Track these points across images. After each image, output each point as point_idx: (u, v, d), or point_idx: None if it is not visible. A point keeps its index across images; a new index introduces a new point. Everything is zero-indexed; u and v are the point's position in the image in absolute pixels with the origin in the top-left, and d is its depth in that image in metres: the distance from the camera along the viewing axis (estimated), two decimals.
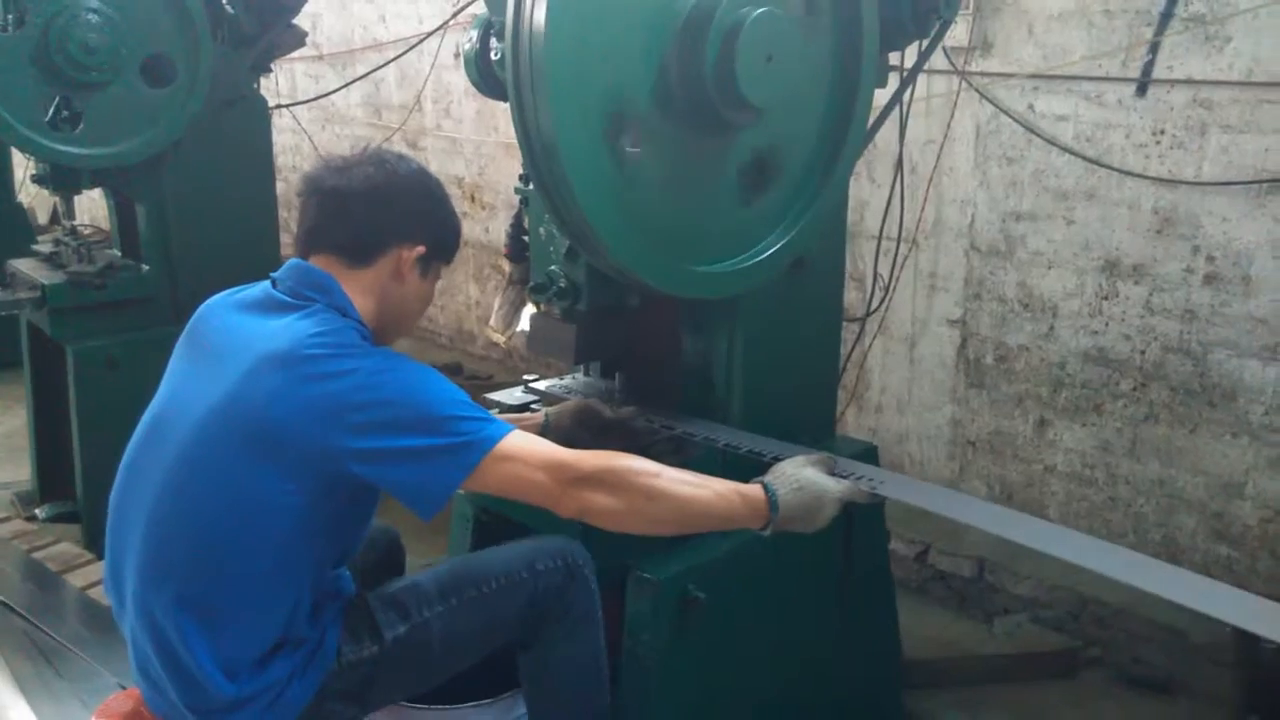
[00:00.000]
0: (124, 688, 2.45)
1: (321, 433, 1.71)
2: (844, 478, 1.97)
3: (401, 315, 1.99)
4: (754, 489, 1.87)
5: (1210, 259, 3.25)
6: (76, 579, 3.44)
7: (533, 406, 2.49)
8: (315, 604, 1.89)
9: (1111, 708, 3.05)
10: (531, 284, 2.28)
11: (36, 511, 4.10)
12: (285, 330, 1.78)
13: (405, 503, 1.77)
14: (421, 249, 1.93)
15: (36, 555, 3.61)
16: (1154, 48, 3.25)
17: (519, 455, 1.76)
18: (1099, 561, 1.83)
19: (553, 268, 2.21)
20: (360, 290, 1.90)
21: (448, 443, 1.73)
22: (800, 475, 1.90)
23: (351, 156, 1.95)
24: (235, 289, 1.98)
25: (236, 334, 1.84)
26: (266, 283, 1.93)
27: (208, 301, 1.99)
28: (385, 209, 1.90)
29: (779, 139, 2.18)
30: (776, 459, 2.03)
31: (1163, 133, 3.29)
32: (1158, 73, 3.26)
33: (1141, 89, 3.31)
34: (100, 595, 3.23)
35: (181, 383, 1.90)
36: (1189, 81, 3.20)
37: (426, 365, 1.84)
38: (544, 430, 2.23)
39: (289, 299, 1.86)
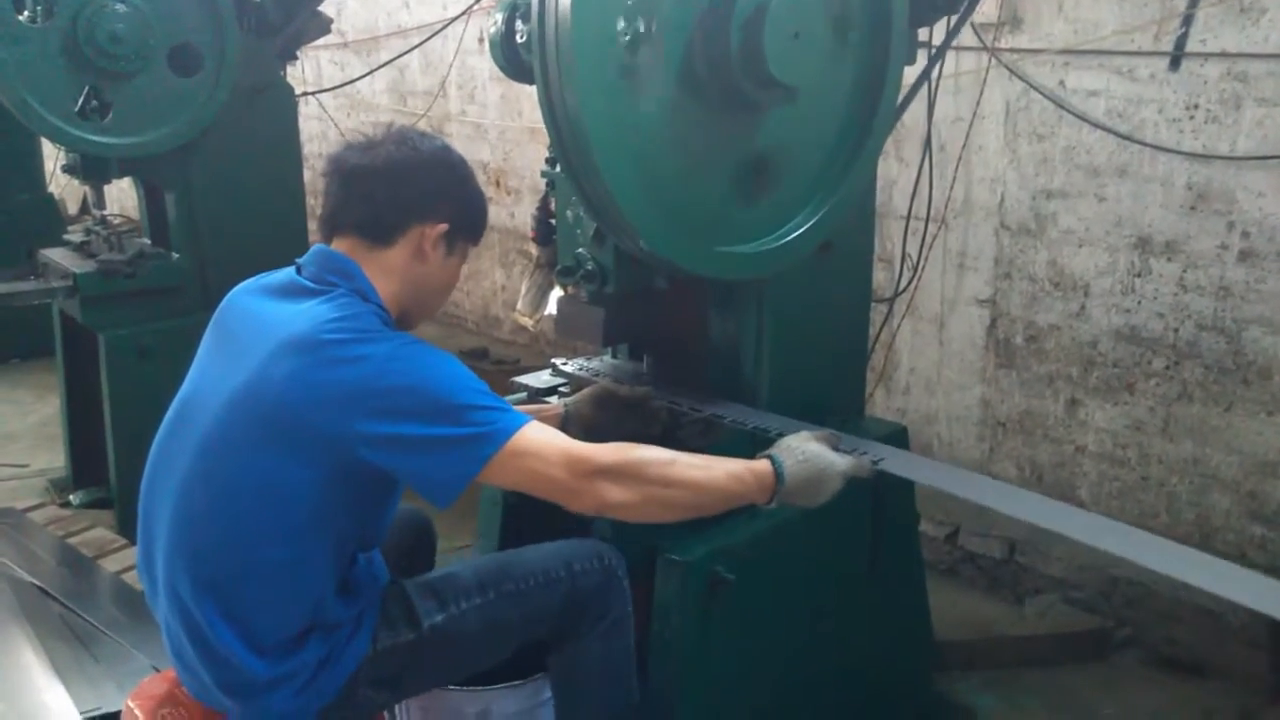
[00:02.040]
0: (158, 670, 2.48)
1: (336, 418, 1.71)
2: (848, 453, 1.99)
3: (426, 296, 1.98)
4: (761, 464, 1.89)
5: (1245, 235, 3.20)
6: (110, 564, 3.48)
7: (560, 389, 2.49)
8: (344, 587, 1.90)
9: (1144, 689, 3.03)
10: (559, 267, 2.27)
11: (70, 497, 4.16)
12: (304, 315, 1.78)
13: (419, 491, 1.77)
14: (444, 226, 1.92)
15: (71, 541, 3.66)
16: (1187, 20, 3.19)
17: (535, 450, 1.74)
18: (1097, 537, 1.83)
19: (580, 250, 2.21)
20: (382, 272, 1.89)
21: (463, 433, 1.71)
22: (806, 449, 1.91)
23: (375, 137, 1.95)
24: (261, 275, 1.98)
25: (259, 320, 1.85)
26: (291, 269, 1.94)
27: (234, 289, 1.99)
28: (405, 186, 1.89)
29: (805, 119, 2.16)
30: (781, 435, 2.03)
31: (1196, 107, 3.24)
32: (1191, 46, 3.21)
33: (1174, 63, 3.26)
34: (134, 580, 3.27)
35: (207, 369, 1.92)
36: (1223, 54, 3.15)
37: (446, 351, 1.83)
38: (565, 421, 2.22)
39: (311, 284, 1.86)
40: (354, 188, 1.90)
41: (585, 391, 2.32)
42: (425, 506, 2.20)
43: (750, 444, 2.17)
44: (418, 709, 2.22)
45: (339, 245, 1.92)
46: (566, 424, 2.21)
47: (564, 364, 2.60)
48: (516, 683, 2.17)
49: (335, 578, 1.87)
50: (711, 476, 1.84)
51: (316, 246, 1.94)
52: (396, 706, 2.19)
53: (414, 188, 1.90)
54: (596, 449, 1.78)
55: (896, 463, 2.04)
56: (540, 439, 1.76)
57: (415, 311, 2.00)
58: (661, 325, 2.42)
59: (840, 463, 1.92)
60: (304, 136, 4.14)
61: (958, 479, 2.04)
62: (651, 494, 1.79)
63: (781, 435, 2.02)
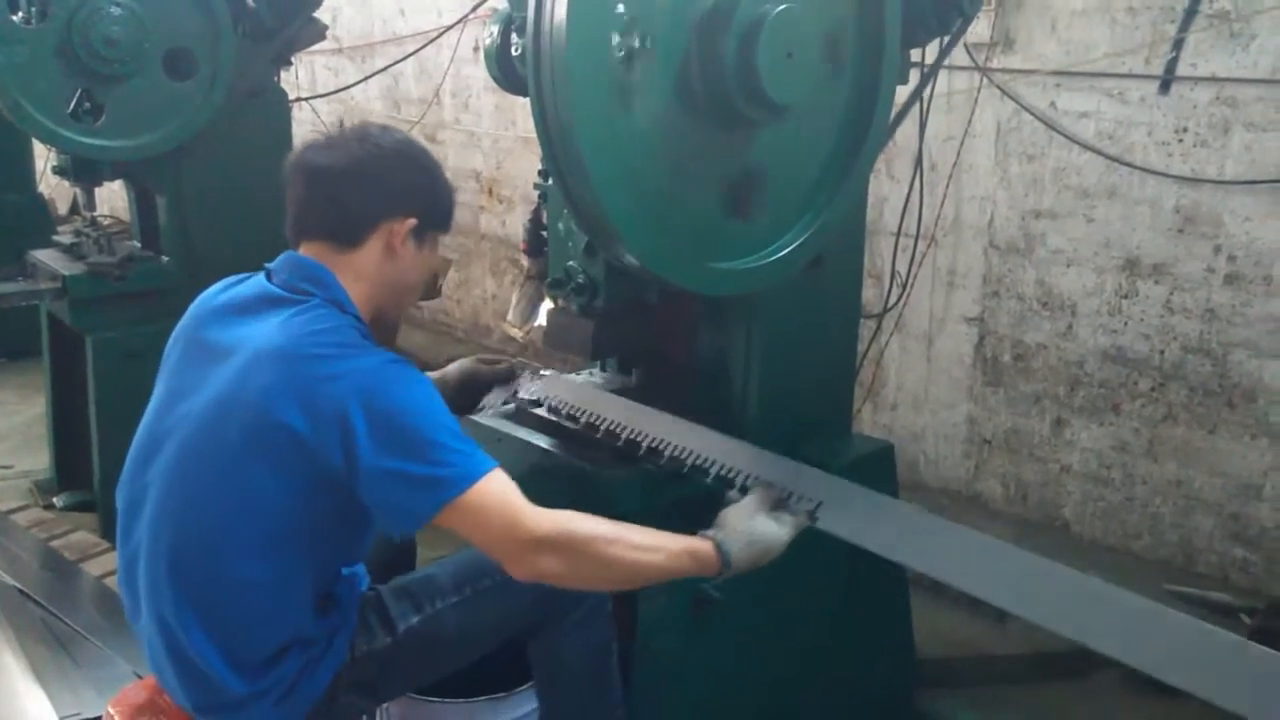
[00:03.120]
0: (139, 676, 2.47)
1: (312, 430, 1.69)
2: (788, 514, 1.89)
3: (400, 292, 1.97)
4: (706, 547, 1.80)
5: (1232, 259, 3.23)
6: (93, 567, 3.47)
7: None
8: (326, 601, 1.89)
9: (1125, 708, 3.03)
10: (549, 279, 2.27)
11: (54, 500, 4.13)
12: (281, 328, 1.76)
13: (376, 518, 1.77)
14: (412, 221, 1.90)
15: (54, 543, 3.65)
16: (1178, 44, 3.22)
17: (484, 507, 1.70)
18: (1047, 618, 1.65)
19: (571, 263, 2.21)
20: (353, 275, 1.87)
21: (425, 474, 1.69)
22: (752, 529, 1.83)
23: (336, 134, 1.93)
24: (228, 282, 1.95)
25: (233, 331, 1.82)
26: (260, 276, 1.91)
27: (201, 297, 1.96)
28: (370, 185, 1.87)
29: (797, 138, 2.17)
30: (725, 480, 1.97)
31: (1185, 130, 3.26)
32: (1181, 70, 3.24)
33: (1165, 86, 3.29)
34: (117, 584, 3.26)
35: (179, 383, 1.88)
36: (1213, 79, 3.18)
37: (423, 375, 1.81)
38: None
39: (284, 293, 1.84)
40: (318, 190, 1.89)
41: (450, 369, 2.38)
42: None
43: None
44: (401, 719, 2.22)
45: (308, 250, 1.90)
46: None
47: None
48: (499, 695, 2.17)
49: (316, 596, 1.86)
50: (652, 561, 1.77)
51: (286, 253, 1.92)
52: (379, 712, 2.19)
53: (379, 185, 1.88)
54: (539, 519, 1.71)
55: (834, 520, 1.91)
56: (493, 499, 1.71)
57: (390, 308, 1.99)
58: (651, 339, 2.43)
59: (783, 534, 1.85)
60: (297, 142, 4.13)
61: (892, 540, 1.88)
62: (587, 572, 1.76)
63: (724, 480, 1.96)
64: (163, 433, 1.85)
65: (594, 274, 2.18)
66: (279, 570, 1.78)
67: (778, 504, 1.90)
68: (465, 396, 2.37)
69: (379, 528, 1.83)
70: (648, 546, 1.77)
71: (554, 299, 2.33)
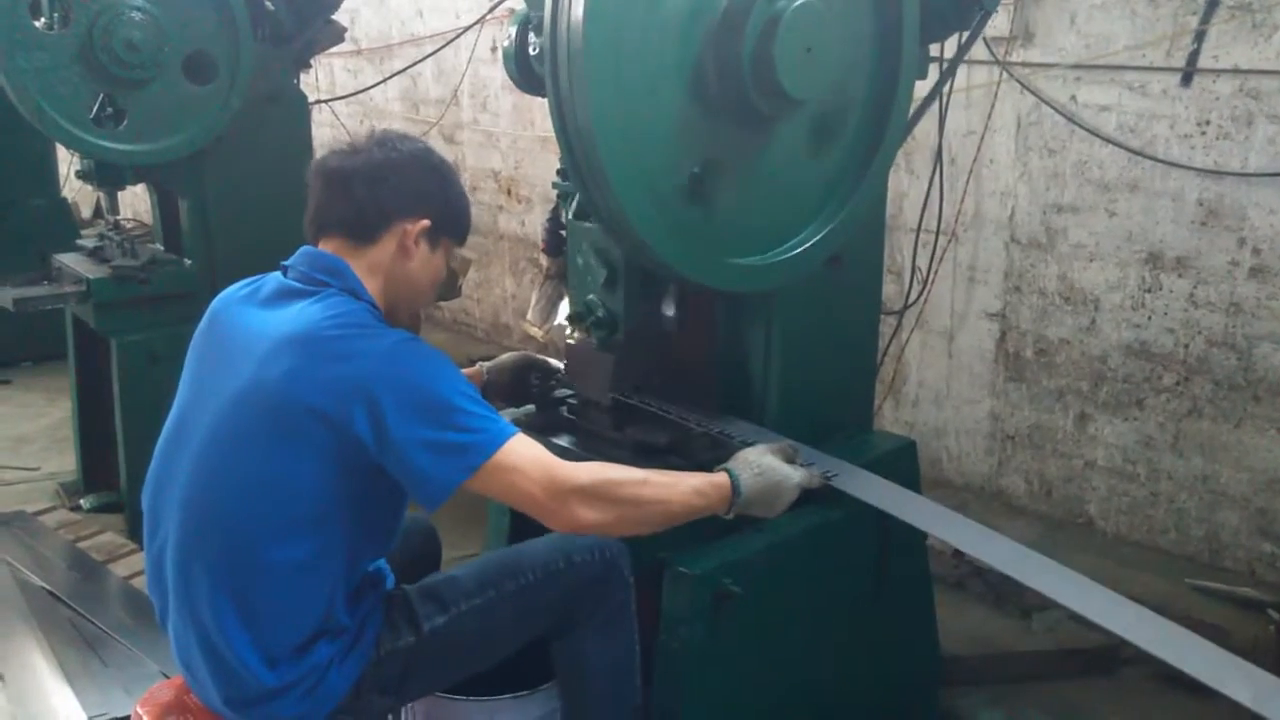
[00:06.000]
0: (167, 676, 2.48)
1: (336, 410, 1.72)
2: (803, 466, 2.06)
3: (411, 291, 2.01)
4: (721, 477, 1.96)
5: (1256, 251, 3.20)
6: (120, 568, 3.50)
7: (568, 400, 2.49)
8: (353, 593, 1.91)
9: (1151, 705, 3.01)
10: (570, 313, 2.29)
11: (81, 502, 4.16)
12: (300, 315, 1.81)
13: (407, 489, 1.80)
14: (426, 223, 1.95)
15: (81, 545, 3.68)
16: (1199, 36, 3.20)
17: (518, 465, 1.78)
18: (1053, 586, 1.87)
19: (591, 297, 2.22)
20: (367, 269, 1.92)
21: (454, 440, 1.74)
22: (761, 463, 1.99)
23: (358, 140, 1.99)
24: (247, 281, 2.00)
25: (252, 325, 1.87)
26: (277, 273, 1.96)
27: (220, 296, 2.01)
28: (386, 185, 1.93)
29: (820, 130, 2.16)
30: (745, 443, 2.10)
31: (1208, 123, 3.24)
32: (1203, 62, 3.21)
33: (1186, 78, 3.26)
34: (144, 584, 3.27)
35: (202, 379, 1.93)
36: (1235, 71, 3.15)
37: (440, 351, 1.86)
38: (484, 387, 2.40)
39: (301, 285, 1.88)
40: (336, 188, 1.94)
41: (505, 358, 2.48)
42: (432, 515, 2.22)
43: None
44: (425, 717, 2.22)
45: (325, 245, 1.95)
46: (486, 390, 2.38)
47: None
48: (524, 693, 2.18)
49: (346, 583, 1.88)
50: (679, 495, 1.91)
51: (303, 248, 1.97)
52: (403, 711, 2.20)
53: (394, 186, 1.94)
54: (575, 470, 1.82)
55: (849, 480, 2.09)
56: (525, 455, 1.79)
57: (401, 307, 2.02)
58: (670, 368, 2.42)
59: (795, 475, 2.01)
60: (317, 144, 4.16)
61: (904, 502, 2.06)
62: (623, 514, 1.86)
63: (744, 443, 2.08)
64: (188, 430, 1.87)
65: (614, 307, 2.20)
66: (312, 552, 1.80)
67: (791, 460, 2.05)
68: (519, 383, 2.49)
69: (414, 500, 1.84)
70: (673, 485, 1.92)
71: (573, 334, 2.36)
